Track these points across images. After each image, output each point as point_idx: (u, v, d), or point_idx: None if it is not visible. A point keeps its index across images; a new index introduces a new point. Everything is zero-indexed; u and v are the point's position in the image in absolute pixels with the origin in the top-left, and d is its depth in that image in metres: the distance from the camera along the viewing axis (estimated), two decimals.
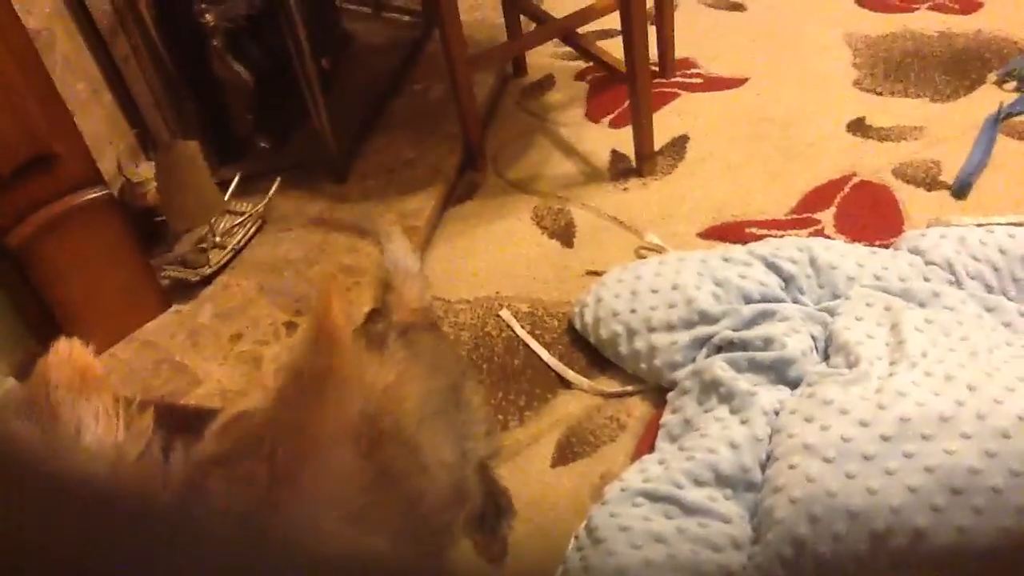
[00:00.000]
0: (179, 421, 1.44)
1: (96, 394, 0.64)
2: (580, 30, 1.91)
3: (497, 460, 1.29)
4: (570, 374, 1.43)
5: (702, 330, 1.37)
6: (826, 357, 1.29)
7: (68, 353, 0.65)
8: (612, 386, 1.41)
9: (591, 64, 2.08)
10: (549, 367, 1.45)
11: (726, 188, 1.74)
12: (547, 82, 2.12)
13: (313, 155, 1.85)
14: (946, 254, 1.40)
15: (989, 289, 1.36)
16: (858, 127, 1.83)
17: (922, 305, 1.32)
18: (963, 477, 1.01)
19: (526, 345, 1.49)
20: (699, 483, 1.18)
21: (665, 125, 1.91)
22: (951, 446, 1.04)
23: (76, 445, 0.62)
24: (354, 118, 1.96)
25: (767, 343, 1.31)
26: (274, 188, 1.76)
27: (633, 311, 1.43)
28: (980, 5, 2.12)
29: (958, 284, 1.37)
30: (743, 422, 1.20)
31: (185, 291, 1.62)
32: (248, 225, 1.73)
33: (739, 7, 2.28)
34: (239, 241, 1.70)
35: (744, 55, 2.10)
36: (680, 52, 2.10)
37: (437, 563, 0.93)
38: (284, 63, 1.73)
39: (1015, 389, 1.08)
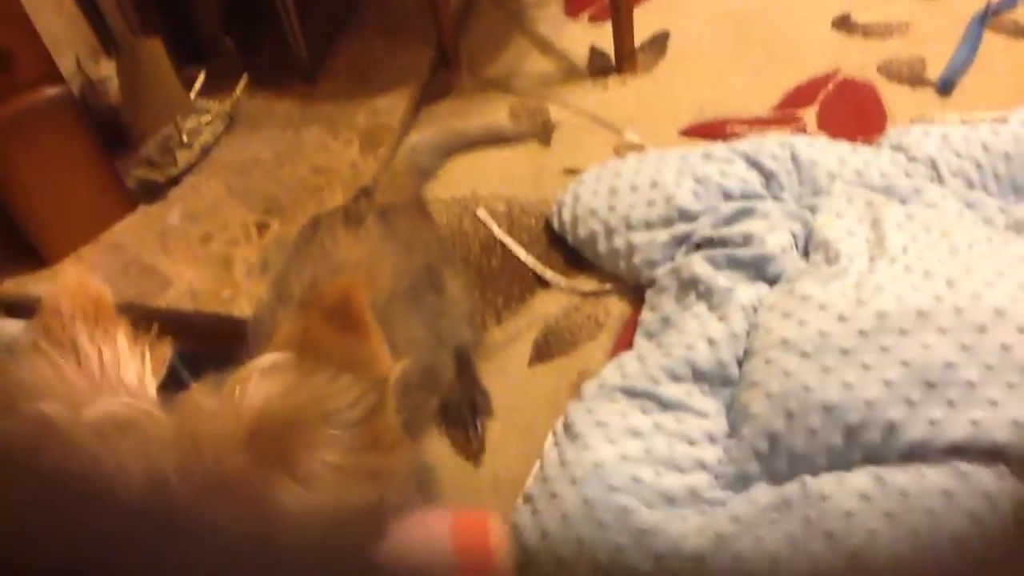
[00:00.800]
0: (150, 324, 1.42)
1: (113, 325, 0.58)
2: None
3: (478, 353, 1.29)
4: (548, 273, 1.41)
5: (681, 228, 1.35)
6: (806, 254, 1.28)
7: (78, 282, 0.59)
8: (590, 285, 1.40)
9: None
10: (527, 266, 1.43)
11: (708, 85, 1.69)
12: None
13: (282, 54, 1.79)
14: (929, 151, 1.37)
15: (971, 186, 1.34)
16: (843, 23, 1.78)
17: (903, 202, 1.30)
18: (938, 371, 1.02)
19: (503, 245, 1.46)
20: (676, 379, 1.17)
21: (646, 21, 1.85)
22: (928, 340, 1.04)
23: (110, 384, 0.56)
24: (324, 16, 1.88)
25: (747, 240, 1.29)
26: (241, 86, 1.71)
27: (612, 209, 1.40)
28: None
29: (940, 181, 1.35)
30: (721, 318, 1.19)
31: (153, 192, 1.58)
32: (216, 124, 1.68)
33: None
34: (207, 141, 1.65)
35: None
36: None
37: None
38: None
39: (993, 284, 1.07)
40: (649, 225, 1.37)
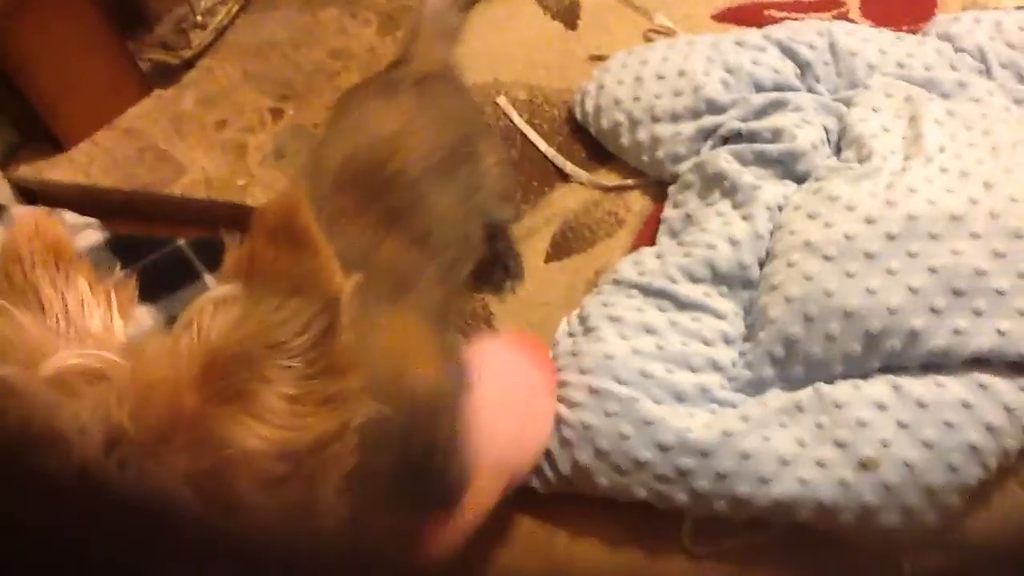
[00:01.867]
0: (166, 211, 1.41)
1: (75, 270, 0.55)
2: None
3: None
4: (568, 166, 1.37)
5: (709, 120, 1.29)
6: (839, 151, 1.22)
7: (36, 225, 0.55)
8: (612, 179, 1.35)
9: None
10: (547, 158, 1.38)
11: None
12: None
13: None
14: (979, 40, 1.29)
15: (1022, 79, 1.26)
16: None
17: (946, 96, 1.23)
18: (967, 278, 0.97)
19: (524, 135, 1.42)
20: (695, 279, 1.14)
21: None
22: (959, 246, 0.99)
23: (76, 333, 0.53)
24: None
25: (776, 135, 1.23)
26: None
27: (637, 99, 1.34)
28: None
29: (988, 73, 1.27)
30: (745, 217, 1.14)
31: (167, 75, 1.55)
32: (231, 4, 1.62)
33: None
34: (221, 22, 1.60)
35: None
36: None
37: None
38: None
39: None
40: (675, 117, 1.31)
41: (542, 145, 1.40)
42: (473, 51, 1.55)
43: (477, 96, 1.48)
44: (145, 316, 1.16)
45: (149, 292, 1.16)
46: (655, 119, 1.32)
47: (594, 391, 1.03)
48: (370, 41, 1.54)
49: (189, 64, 1.55)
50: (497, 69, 1.51)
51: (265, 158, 1.39)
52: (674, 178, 1.28)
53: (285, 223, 0.48)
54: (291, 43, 1.57)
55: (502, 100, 1.45)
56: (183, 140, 1.44)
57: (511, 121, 1.43)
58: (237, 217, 1.32)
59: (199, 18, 1.57)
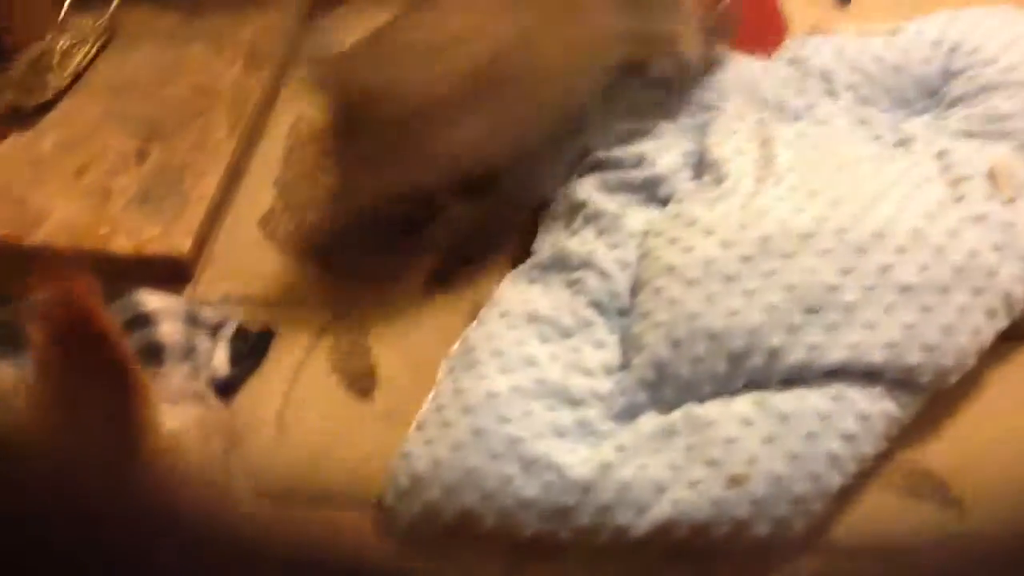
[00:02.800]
0: (23, 263, 1.36)
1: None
2: None
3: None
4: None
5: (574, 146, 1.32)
6: (698, 174, 1.26)
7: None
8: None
9: None
10: None
11: None
12: None
13: None
14: (824, 64, 1.35)
15: (864, 100, 1.33)
16: None
17: (796, 118, 1.29)
18: (819, 294, 1.02)
19: None
20: (574, 308, 1.16)
21: None
22: (810, 263, 1.04)
23: None
24: None
25: (639, 161, 1.27)
26: (116, 2, 1.60)
27: None
28: None
29: (834, 95, 1.34)
30: (612, 246, 1.18)
31: (23, 119, 1.49)
32: (91, 43, 1.58)
33: None
34: (80, 61, 1.55)
35: None
36: None
37: None
38: None
39: (875, 203, 1.08)
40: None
41: None
42: None
43: None
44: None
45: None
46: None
47: (479, 432, 1.04)
48: (236, 78, 1.51)
49: (47, 106, 1.50)
50: None
51: (129, 202, 1.36)
52: (544, 207, 1.30)
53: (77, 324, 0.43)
54: (155, 81, 1.53)
55: None
56: (42, 186, 1.39)
57: None
58: (101, 266, 1.28)
59: (57, 59, 1.52)
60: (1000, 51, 1.27)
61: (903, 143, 1.24)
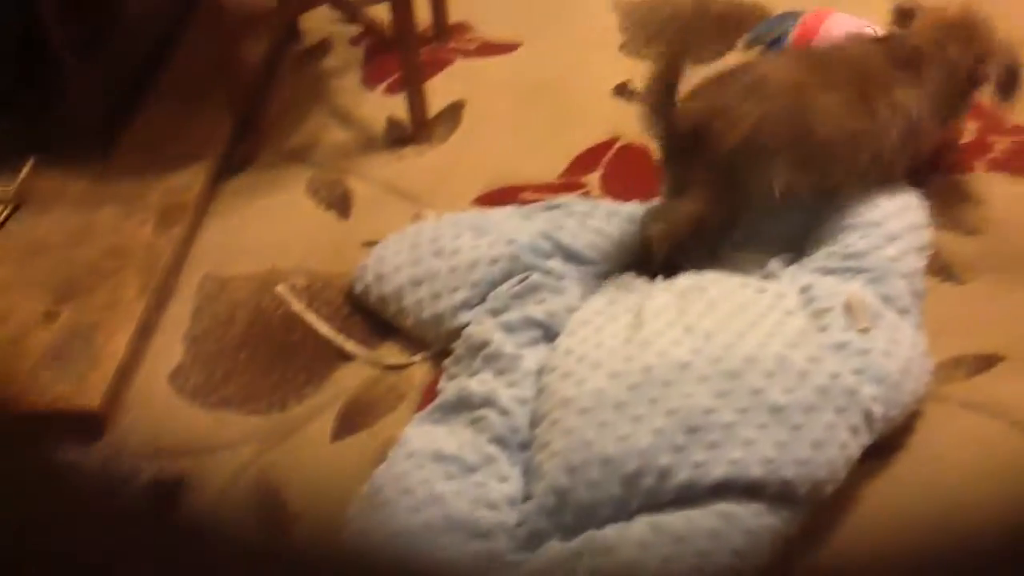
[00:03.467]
0: None
1: None
2: None
3: None
4: (349, 345, 1.44)
5: (478, 291, 1.41)
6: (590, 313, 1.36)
7: None
8: (393, 354, 1.44)
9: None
10: (328, 340, 1.45)
11: (501, 153, 1.78)
12: (323, 48, 2.10)
13: (72, 129, 1.75)
14: None
15: (735, 246, 1.47)
16: (623, 91, 1.91)
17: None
18: (699, 416, 1.12)
19: (305, 320, 1.48)
20: (476, 445, 1.22)
21: (441, 91, 1.93)
22: (689, 389, 1.14)
23: None
24: (119, 88, 1.86)
25: (538, 303, 1.37)
26: (27, 169, 1.66)
27: (413, 276, 1.45)
28: None
29: None
30: (511, 384, 1.26)
31: None
32: (1, 208, 1.62)
33: None
34: None
35: (517, 20, 2.14)
36: (455, 17, 2.12)
37: None
38: (30, 29, 1.63)
39: (745, 333, 1.19)
40: (451, 289, 1.43)
41: (323, 328, 1.47)
42: (251, 243, 1.63)
43: (256, 284, 1.54)
44: None
45: None
46: (431, 292, 1.43)
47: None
48: (147, 239, 1.58)
49: None
50: (275, 259, 1.59)
51: (41, 360, 1.38)
52: (449, 349, 1.38)
53: None
54: (66, 244, 1.58)
55: (281, 288, 1.52)
56: None
57: (291, 308, 1.50)
58: (14, 423, 1.30)
59: None
60: (851, 200, 1.43)
61: (771, 279, 1.37)
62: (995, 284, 1.49)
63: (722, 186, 1.34)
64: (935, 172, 1.64)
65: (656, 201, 1.55)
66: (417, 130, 1.81)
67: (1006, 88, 1.49)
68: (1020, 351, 1.39)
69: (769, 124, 1.31)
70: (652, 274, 1.39)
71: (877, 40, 1.51)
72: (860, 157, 1.38)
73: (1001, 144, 1.72)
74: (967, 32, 1.48)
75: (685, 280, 1.34)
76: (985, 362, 1.38)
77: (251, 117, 1.84)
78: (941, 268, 1.51)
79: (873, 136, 1.38)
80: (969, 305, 1.47)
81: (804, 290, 1.30)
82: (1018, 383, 1.35)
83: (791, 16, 2.01)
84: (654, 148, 1.72)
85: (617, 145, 1.78)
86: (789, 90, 1.34)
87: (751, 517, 1.07)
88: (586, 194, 1.67)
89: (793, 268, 1.39)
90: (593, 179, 1.71)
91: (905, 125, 1.39)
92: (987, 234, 1.57)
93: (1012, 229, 1.57)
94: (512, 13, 2.16)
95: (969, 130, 1.70)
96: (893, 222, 1.38)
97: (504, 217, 1.49)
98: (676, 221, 1.38)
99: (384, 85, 1.97)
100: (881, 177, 1.43)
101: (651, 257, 1.40)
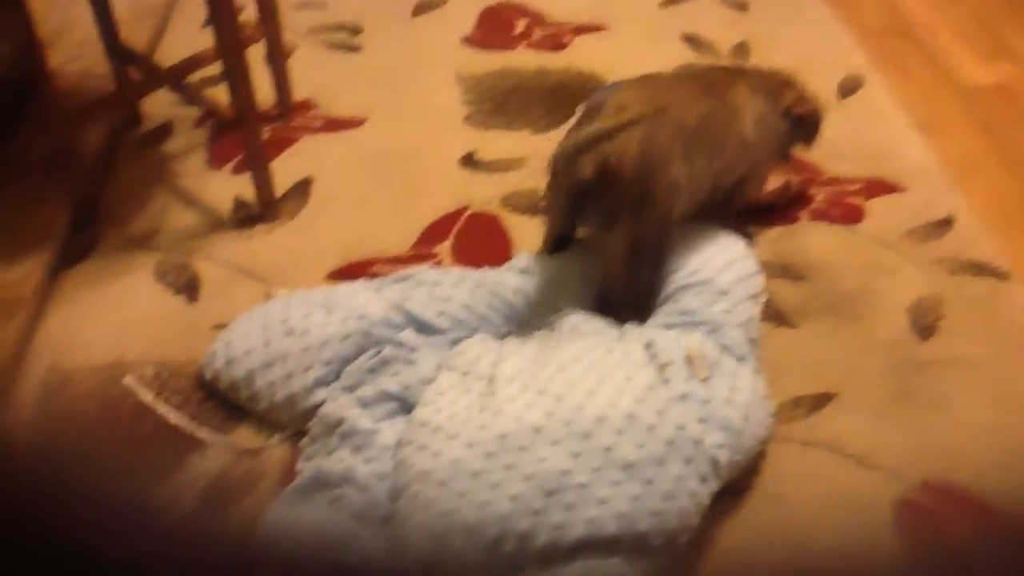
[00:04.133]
0: None
1: None
2: (190, 78, 1.89)
3: None
4: (202, 433, 1.41)
5: (331, 368, 1.40)
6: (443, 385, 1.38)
7: None
8: (249, 437, 1.41)
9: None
10: (181, 429, 1.42)
11: (351, 228, 1.79)
12: (165, 130, 2.07)
13: None
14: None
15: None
16: (469, 161, 1.97)
17: (523, 324, 1.45)
18: (555, 479, 1.14)
19: (155, 411, 1.44)
20: (338, 524, 1.21)
21: (288, 168, 1.93)
22: (544, 453, 1.16)
23: None
24: None
25: (393, 376, 1.38)
26: None
27: (266, 345, 1.43)
28: (568, 43, 2.36)
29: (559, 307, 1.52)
30: (368, 460, 1.26)
31: None
32: None
33: (356, 48, 2.36)
34: None
35: (363, 95, 2.18)
36: (300, 94, 2.13)
37: None
38: None
39: (595, 394, 1.23)
40: (303, 368, 1.41)
41: (174, 417, 1.43)
42: (96, 333, 1.58)
43: (102, 377, 1.49)
44: None
45: None
46: (284, 372, 1.41)
47: None
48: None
49: None
50: (122, 348, 1.54)
51: None
52: (305, 428, 1.37)
53: None
54: None
55: (129, 379, 1.48)
56: None
57: (140, 399, 1.45)
58: None
59: None
60: (684, 260, 1.51)
61: (619, 338, 1.42)
62: (824, 326, 1.60)
63: (640, 207, 1.41)
64: (776, 215, 1.79)
65: (508, 264, 1.60)
66: (265, 209, 1.80)
67: (810, 131, 1.69)
68: (850, 388, 1.49)
69: (651, 135, 1.40)
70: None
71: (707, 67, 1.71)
72: (729, 147, 1.53)
73: (821, 194, 1.86)
74: (785, 79, 1.68)
75: (535, 344, 1.38)
76: (821, 400, 1.47)
77: (92, 204, 1.80)
78: (775, 314, 1.61)
79: (734, 126, 1.54)
80: (803, 347, 1.57)
81: (648, 346, 1.35)
82: (850, 418, 1.44)
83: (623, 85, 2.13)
84: (503, 214, 1.80)
85: (466, 214, 1.83)
86: (650, 105, 1.43)
87: (612, 571, 1.10)
88: (438, 264, 1.70)
89: (639, 326, 1.45)
90: (444, 248, 1.75)
91: (745, 134, 1.55)
92: (813, 280, 1.68)
93: (835, 273, 1.69)
94: (357, 89, 2.20)
95: (793, 182, 1.82)
96: (725, 276, 1.46)
97: (354, 292, 1.49)
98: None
99: (230, 165, 1.96)
100: (728, 195, 1.59)
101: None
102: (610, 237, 1.44)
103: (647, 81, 1.56)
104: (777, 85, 1.66)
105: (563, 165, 1.40)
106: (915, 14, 2.51)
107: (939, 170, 1.93)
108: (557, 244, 1.58)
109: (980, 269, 1.69)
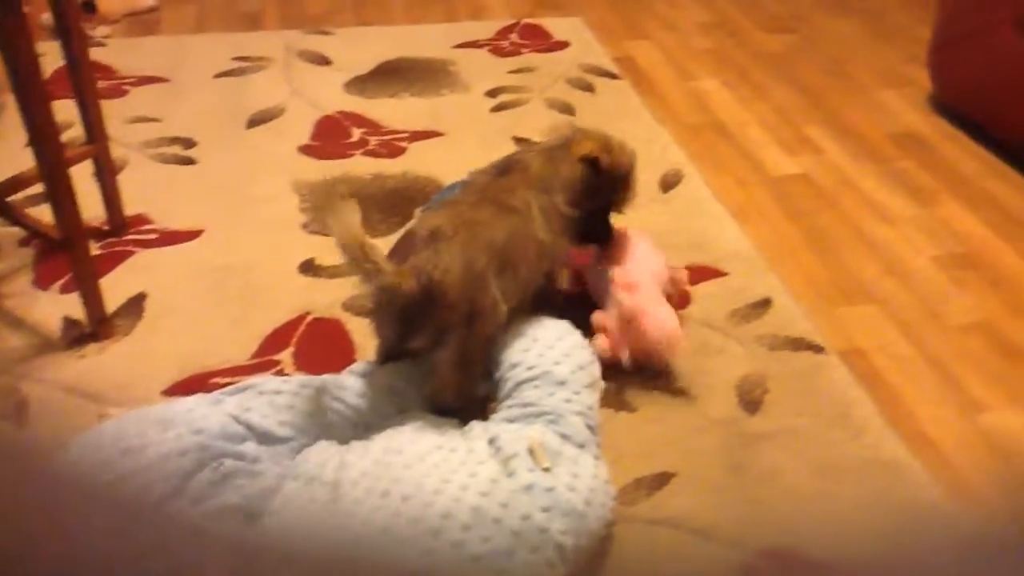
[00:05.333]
0: None
1: None
2: (13, 198, 1.84)
3: None
4: None
5: (171, 484, 1.35)
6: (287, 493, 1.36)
7: None
8: None
9: None
10: None
11: (188, 341, 1.76)
12: None
13: None
14: (392, 382, 1.55)
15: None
16: (309, 268, 1.97)
17: (368, 427, 1.45)
18: None
19: None
20: None
21: (121, 284, 1.89)
22: (395, 553, 1.16)
23: None
24: None
25: (236, 488, 1.34)
26: None
27: (102, 468, 1.37)
28: (404, 149, 2.43)
29: (405, 408, 1.53)
30: None
31: None
32: None
33: (190, 161, 2.35)
34: None
35: (198, 207, 2.17)
36: (133, 209, 2.10)
37: None
38: None
39: (440, 491, 1.24)
40: (144, 487, 1.36)
41: None
42: None
43: None
44: None
45: None
46: (126, 491, 1.35)
47: None
48: None
49: None
50: None
51: None
52: None
53: None
54: None
55: None
56: None
57: None
58: None
59: None
60: (522, 355, 1.55)
61: (463, 435, 1.44)
62: (662, 408, 1.67)
63: (469, 323, 1.48)
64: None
65: (350, 367, 1.60)
66: (96, 327, 1.75)
67: (619, 185, 1.75)
68: (688, 465, 1.56)
69: (469, 254, 1.48)
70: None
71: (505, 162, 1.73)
72: (530, 255, 1.59)
73: None
74: (574, 135, 1.76)
75: (380, 446, 1.38)
76: (661, 480, 1.53)
77: None
78: (616, 399, 1.67)
79: (530, 231, 1.60)
80: (642, 430, 1.63)
81: (492, 441, 1.38)
82: (690, 495, 1.51)
83: (459, 185, 2.20)
84: (345, 318, 1.81)
85: (307, 320, 1.83)
86: (460, 225, 1.51)
87: None
88: (280, 372, 1.69)
89: (483, 423, 1.47)
90: (286, 356, 1.74)
91: (540, 236, 1.61)
92: (649, 364, 1.76)
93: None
94: (192, 202, 2.19)
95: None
96: (562, 367, 1.51)
97: (191, 406, 1.45)
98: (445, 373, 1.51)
99: (58, 285, 1.90)
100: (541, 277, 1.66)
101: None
102: (439, 352, 1.49)
103: (452, 205, 1.61)
104: (560, 150, 1.71)
105: (388, 288, 1.44)
106: (727, 112, 2.72)
107: (755, 254, 2.08)
108: (388, 358, 1.60)
109: (798, 344, 1.82)
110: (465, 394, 1.53)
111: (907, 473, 1.55)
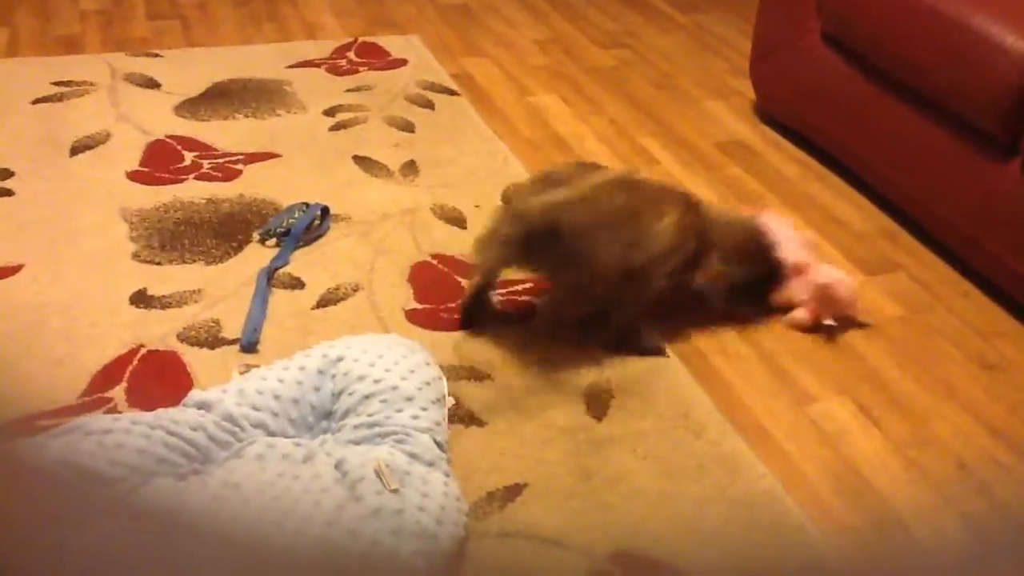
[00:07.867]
0: None
1: None
2: None
3: None
4: None
5: None
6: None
7: None
8: None
9: None
10: None
11: (6, 384, 1.65)
12: None
13: None
14: (228, 409, 1.49)
15: (271, 434, 1.49)
16: (140, 299, 1.88)
17: (206, 461, 1.40)
18: None
19: None
20: None
21: None
22: None
23: None
24: None
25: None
26: None
27: None
28: (239, 172, 2.36)
29: (244, 435, 1.47)
30: None
31: None
32: None
33: (6, 192, 2.21)
34: None
35: (16, 242, 2.03)
36: None
37: None
38: None
39: (282, 523, 1.21)
40: None
41: None
42: None
43: None
44: None
45: None
46: None
47: None
48: None
49: None
50: None
51: None
52: None
53: None
54: None
55: None
56: None
57: None
58: None
59: None
60: (368, 368, 1.53)
61: (308, 460, 1.40)
62: (511, 421, 1.68)
63: (578, 257, 1.73)
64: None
65: (185, 399, 1.53)
66: None
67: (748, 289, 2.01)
68: (538, 476, 1.57)
69: (595, 208, 1.73)
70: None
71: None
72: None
73: (495, 296, 1.97)
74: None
75: (219, 479, 1.32)
76: (513, 492, 1.54)
77: None
78: (465, 415, 1.67)
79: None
80: (493, 444, 1.63)
81: (338, 465, 1.35)
82: (541, 504, 1.51)
83: (298, 207, 2.16)
84: (181, 349, 1.73)
85: (140, 354, 1.74)
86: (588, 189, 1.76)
87: None
88: (112, 409, 1.60)
89: (328, 445, 1.44)
90: (118, 392, 1.65)
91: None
92: (497, 378, 1.77)
93: (516, 370, 1.79)
94: (9, 236, 2.05)
95: None
96: (409, 382, 1.50)
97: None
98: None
99: None
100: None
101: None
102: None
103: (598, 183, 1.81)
104: (739, 226, 1.98)
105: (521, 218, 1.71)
106: (564, 125, 2.78)
107: None
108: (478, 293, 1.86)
109: (643, 349, 1.87)
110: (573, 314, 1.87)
111: (745, 465, 1.61)
